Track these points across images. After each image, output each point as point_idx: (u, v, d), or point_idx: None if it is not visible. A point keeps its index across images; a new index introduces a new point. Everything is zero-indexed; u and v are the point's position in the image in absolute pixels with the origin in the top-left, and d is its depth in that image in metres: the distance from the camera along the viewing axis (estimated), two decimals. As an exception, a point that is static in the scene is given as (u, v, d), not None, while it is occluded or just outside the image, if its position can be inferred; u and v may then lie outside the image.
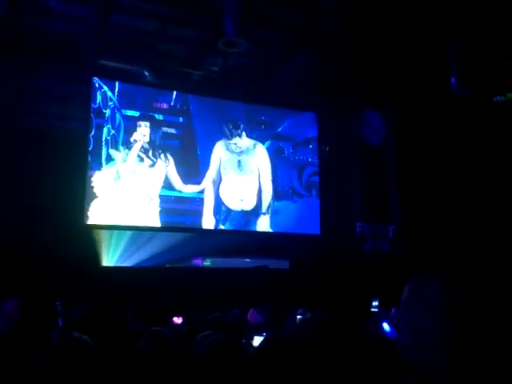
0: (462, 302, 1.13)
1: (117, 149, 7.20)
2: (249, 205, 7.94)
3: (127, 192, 7.16)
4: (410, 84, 7.81)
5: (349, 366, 1.98)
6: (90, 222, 6.86)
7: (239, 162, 8.01)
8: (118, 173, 7.13)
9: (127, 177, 7.16)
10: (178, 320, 4.79)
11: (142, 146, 7.33)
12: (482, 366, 1.09)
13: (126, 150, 7.25)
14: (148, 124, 7.43)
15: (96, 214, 6.88)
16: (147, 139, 7.39)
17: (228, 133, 8.00)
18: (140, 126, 7.40)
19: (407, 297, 1.24)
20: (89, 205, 6.86)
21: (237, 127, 8.06)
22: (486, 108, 7.64)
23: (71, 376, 1.92)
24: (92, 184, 6.92)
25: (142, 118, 7.43)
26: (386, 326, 3.93)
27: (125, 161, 7.20)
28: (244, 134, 8.10)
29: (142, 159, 7.31)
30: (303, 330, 3.31)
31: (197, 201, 7.65)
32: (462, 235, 7.72)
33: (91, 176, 6.95)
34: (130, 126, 7.35)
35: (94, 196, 6.91)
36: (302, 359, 2.09)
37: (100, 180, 6.99)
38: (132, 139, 7.31)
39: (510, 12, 6.05)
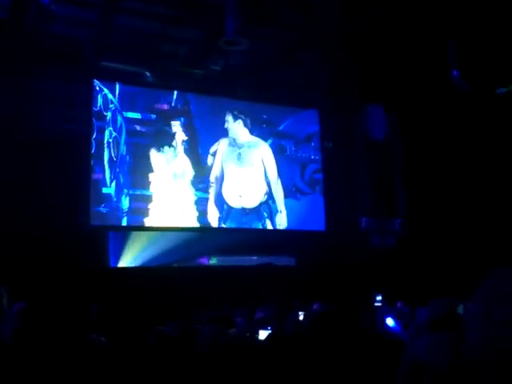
0: None
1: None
2: (248, 202, 7.98)
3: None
4: (413, 78, 7.79)
5: (348, 358, 2.00)
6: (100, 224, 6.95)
7: (239, 154, 8.05)
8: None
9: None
10: None
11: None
12: None
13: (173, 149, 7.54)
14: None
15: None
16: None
17: (230, 129, 8.04)
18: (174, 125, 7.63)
19: (492, 287, 1.16)
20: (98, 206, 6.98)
21: (238, 124, 8.10)
22: (489, 100, 7.62)
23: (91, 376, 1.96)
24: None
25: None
26: (389, 321, 3.95)
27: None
28: (246, 130, 8.14)
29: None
30: (305, 322, 3.35)
31: (203, 200, 7.74)
32: (468, 228, 7.71)
33: (95, 179, 7.04)
34: (131, 127, 7.40)
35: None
36: (302, 351, 2.11)
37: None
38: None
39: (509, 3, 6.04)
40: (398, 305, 5.52)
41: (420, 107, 8.21)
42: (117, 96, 7.31)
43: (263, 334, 3.47)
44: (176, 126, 7.68)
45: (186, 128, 7.77)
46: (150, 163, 7.40)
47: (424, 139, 8.30)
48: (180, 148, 7.65)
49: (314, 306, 4.66)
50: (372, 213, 8.53)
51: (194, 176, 7.67)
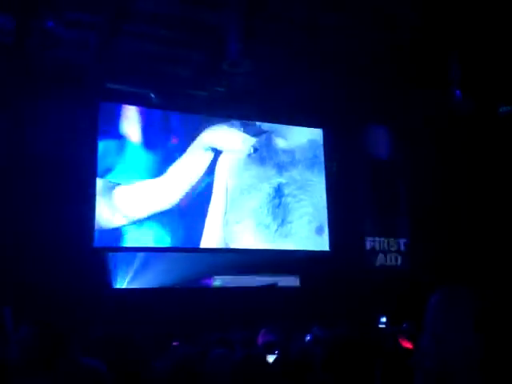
0: (493, 315, 1.12)
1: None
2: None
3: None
4: (416, 97, 7.82)
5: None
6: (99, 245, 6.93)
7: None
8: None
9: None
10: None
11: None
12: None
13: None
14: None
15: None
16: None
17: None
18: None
19: (434, 308, 1.23)
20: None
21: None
22: (492, 119, 7.63)
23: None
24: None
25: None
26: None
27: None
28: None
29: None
30: (315, 347, 3.30)
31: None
32: (473, 248, 7.66)
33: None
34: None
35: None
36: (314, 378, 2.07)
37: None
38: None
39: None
40: (404, 325, 5.46)
41: (423, 126, 8.22)
42: (122, 118, 7.40)
43: (269, 359, 3.41)
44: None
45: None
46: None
47: (428, 158, 8.30)
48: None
49: (314, 330, 4.56)
50: (376, 233, 8.50)
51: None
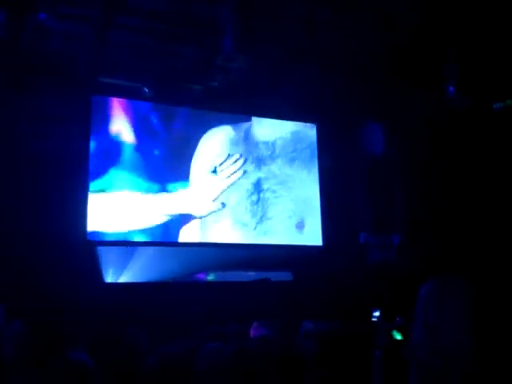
0: (485, 304, 1.12)
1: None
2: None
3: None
4: (410, 93, 7.83)
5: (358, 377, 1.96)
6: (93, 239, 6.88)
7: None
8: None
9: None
10: None
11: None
12: (503, 366, 1.07)
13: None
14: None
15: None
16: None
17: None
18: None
19: (425, 298, 1.23)
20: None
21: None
22: (486, 115, 7.64)
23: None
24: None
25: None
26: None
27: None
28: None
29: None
30: (307, 341, 3.30)
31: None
32: (468, 244, 7.68)
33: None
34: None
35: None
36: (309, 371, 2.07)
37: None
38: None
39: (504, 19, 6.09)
40: (397, 320, 5.47)
41: (418, 123, 8.23)
42: (115, 112, 7.34)
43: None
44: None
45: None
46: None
47: (423, 155, 8.31)
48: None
49: (306, 324, 4.55)
50: (371, 228, 8.51)
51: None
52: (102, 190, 7.03)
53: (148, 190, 7.26)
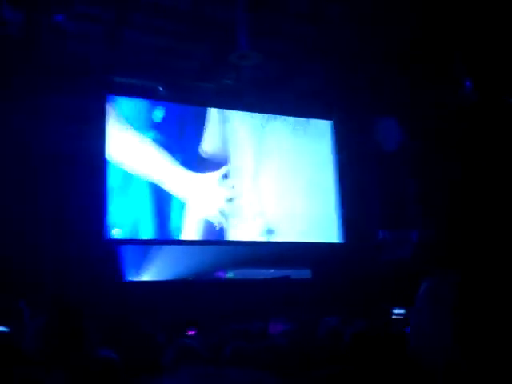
0: (469, 296, 1.12)
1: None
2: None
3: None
4: (424, 89, 7.77)
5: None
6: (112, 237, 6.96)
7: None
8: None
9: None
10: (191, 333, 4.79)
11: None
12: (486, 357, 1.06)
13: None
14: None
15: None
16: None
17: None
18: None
19: (423, 292, 1.23)
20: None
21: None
22: (500, 110, 7.56)
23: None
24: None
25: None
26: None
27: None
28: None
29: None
30: (337, 338, 3.25)
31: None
32: (485, 239, 7.59)
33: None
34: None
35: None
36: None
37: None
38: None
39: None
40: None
41: (432, 117, 8.15)
42: (129, 111, 7.40)
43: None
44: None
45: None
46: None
47: (437, 149, 8.23)
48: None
49: (330, 320, 4.53)
50: (388, 224, 8.46)
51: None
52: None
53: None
